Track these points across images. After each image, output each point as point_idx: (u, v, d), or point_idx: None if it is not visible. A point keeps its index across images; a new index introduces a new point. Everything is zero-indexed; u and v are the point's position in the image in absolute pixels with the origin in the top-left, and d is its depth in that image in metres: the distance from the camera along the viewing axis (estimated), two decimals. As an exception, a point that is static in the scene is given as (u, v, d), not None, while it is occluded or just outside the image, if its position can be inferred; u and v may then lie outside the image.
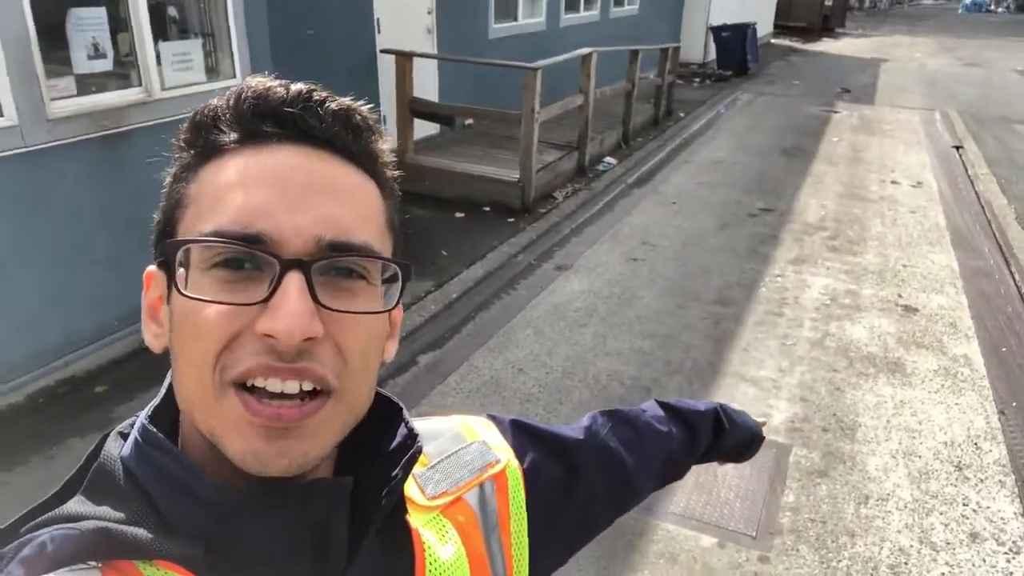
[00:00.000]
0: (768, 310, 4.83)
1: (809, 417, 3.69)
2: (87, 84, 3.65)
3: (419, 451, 0.60)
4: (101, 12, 3.68)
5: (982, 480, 3.26)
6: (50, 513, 0.51)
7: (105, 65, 3.73)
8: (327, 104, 0.54)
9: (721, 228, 6.34)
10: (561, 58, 7.36)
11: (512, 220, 6.24)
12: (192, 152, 0.55)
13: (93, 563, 0.48)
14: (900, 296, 5.10)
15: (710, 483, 3.20)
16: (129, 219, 3.71)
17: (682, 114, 11.18)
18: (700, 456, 1.09)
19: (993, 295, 5.17)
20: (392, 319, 0.58)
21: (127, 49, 3.84)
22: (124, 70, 3.83)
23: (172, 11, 4.21)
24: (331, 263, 0.51)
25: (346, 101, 0.55)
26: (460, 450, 0.71)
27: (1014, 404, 3.85)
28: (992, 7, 39.78)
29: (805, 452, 3.42)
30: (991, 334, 4.60)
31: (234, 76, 4.28)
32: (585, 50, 7.59)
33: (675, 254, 5.73)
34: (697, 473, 3.24)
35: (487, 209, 6.42)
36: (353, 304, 0.51)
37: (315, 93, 0.54)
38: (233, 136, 0.53)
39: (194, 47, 4.17)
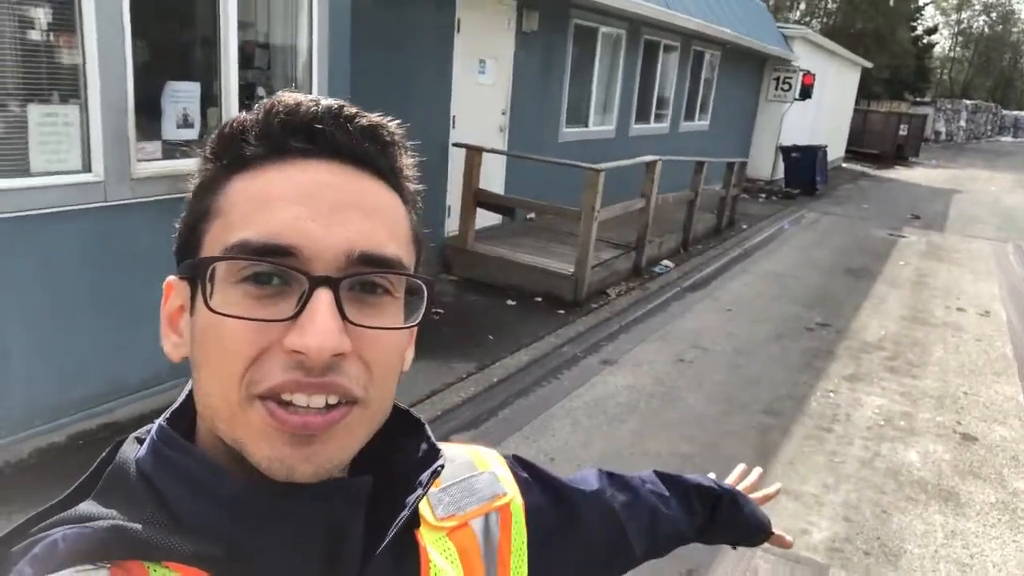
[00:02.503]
0: (818, 425, 4.68)
1: (851, 538, 3.50)
2: (172, 150, 3.92)
3: (442, 466, 0.61)
4: (195, 87, 4.00)
5: (1038, 625, 3.02)
6: (60, 515, 0.51)
7: (191, 134, 4.01)
8: (357, 120, 0.54)
9: (776, 339, 6.24)
10: (626, 162, 7.58)
11: (562, 312, 6.28)
12: (220, 164, 0.55)
13: (103, 563, 0.47)
14: (959, 423, 4.88)
15: (739, 596, 3.05)
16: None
17: (745, 226, 11.22)
18: (695, 535, 1.06)
19: (1061, 432, 4.90)
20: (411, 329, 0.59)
21: (215, 122, 4.14)
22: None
23: (261, 91, 4.54)
24: (358, 280, 0.51)
25: (375, 117, 0.56)
26: (471, 477, 0.72)
27: (1078, 547, 3.58)
28: (1075, 148, 39.11)
29: (844, 575, 3.24)
30: (1057, 471, 4.33)
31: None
32: (650, 157, 7.79)
33: (726, 360, 5.64)
34: (727, 585, 3.10)
35: (539, 300, 6.49)
36: (379, 320, 0.52)
37: (345, 108, 0.54)
38: (261, 150, 0.53)
39: (275, 125, 4.45)
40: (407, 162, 0.58)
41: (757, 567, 3.22)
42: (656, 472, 1.04)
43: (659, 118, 12.19)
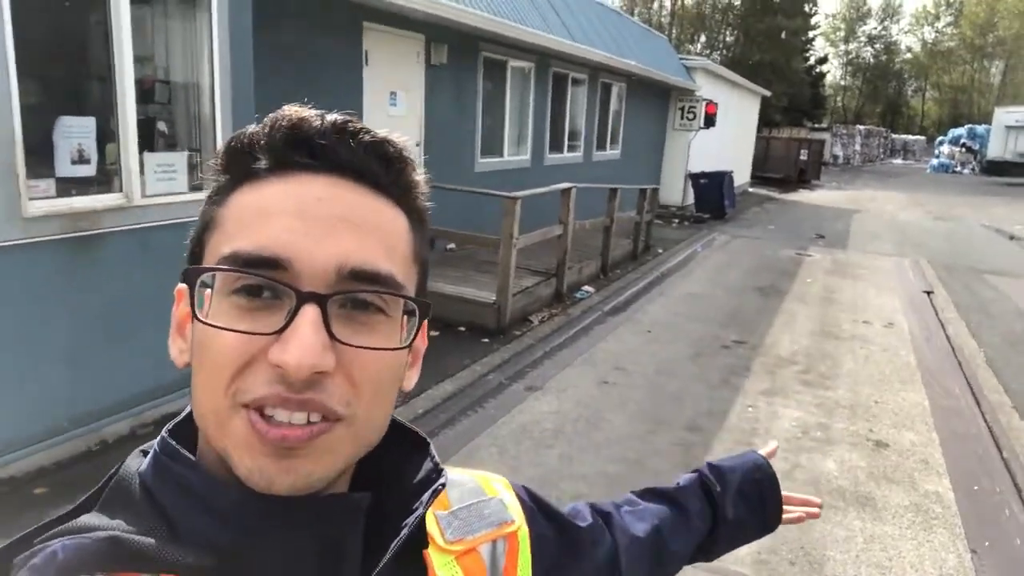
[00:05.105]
0: (738, 439, 4.76)
1: (776, 549, 3.55)
2: (68, 187, 3.73)
3: (443, 485, 0.60)
4: (90, 122, 3.82)
5: (956, 620, 3.11)
6: (63, 525, 0.51)
7: (88, 171, 3.82)
8: (360, 136, 0.54)
9: (694, 358, 6.36)
10: (542, 190, 7.66)
11: (486, 340, 6.25)
12: (227, 176, 0.56)
13: (98, 574, 0.47)
14: (871, 431, 5.06)
15: (672, 615, 3.03)
16: (95, 320, 3.70)
17: (660, 250, 11.50)
18: (712, 540, 1.01)
19: (964, 434, 5.14)
20: (415, 348, 0.58)
21: (113, 158, 3.96)
22: (107, 176, 3.93)
23: (162, 126, 4.38)
24: (348, 297, 0.51)
25: (381, 133, 0.56)
26: (480, 502, 0.71)
27: (986, 543, 3.73)
28: (958, 169, 41.92)
29: (772, 585, 3.27)
30: (963, 472, 4.52)
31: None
32: (565, 184, 7.91)
33: (647, 380, 5.71)
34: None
35: (462, 329, 6.45)
36: (369, 339, 0.51)
37: (350, 124, 0.54)
38: (265, 164, 0.54)
39: (179, 159, 4.30)
40: (415, 178, 0.58)
41: (688, 585, 3.22)
42: (634, 492, 1.02)
43: (572, 148, 12.43)
